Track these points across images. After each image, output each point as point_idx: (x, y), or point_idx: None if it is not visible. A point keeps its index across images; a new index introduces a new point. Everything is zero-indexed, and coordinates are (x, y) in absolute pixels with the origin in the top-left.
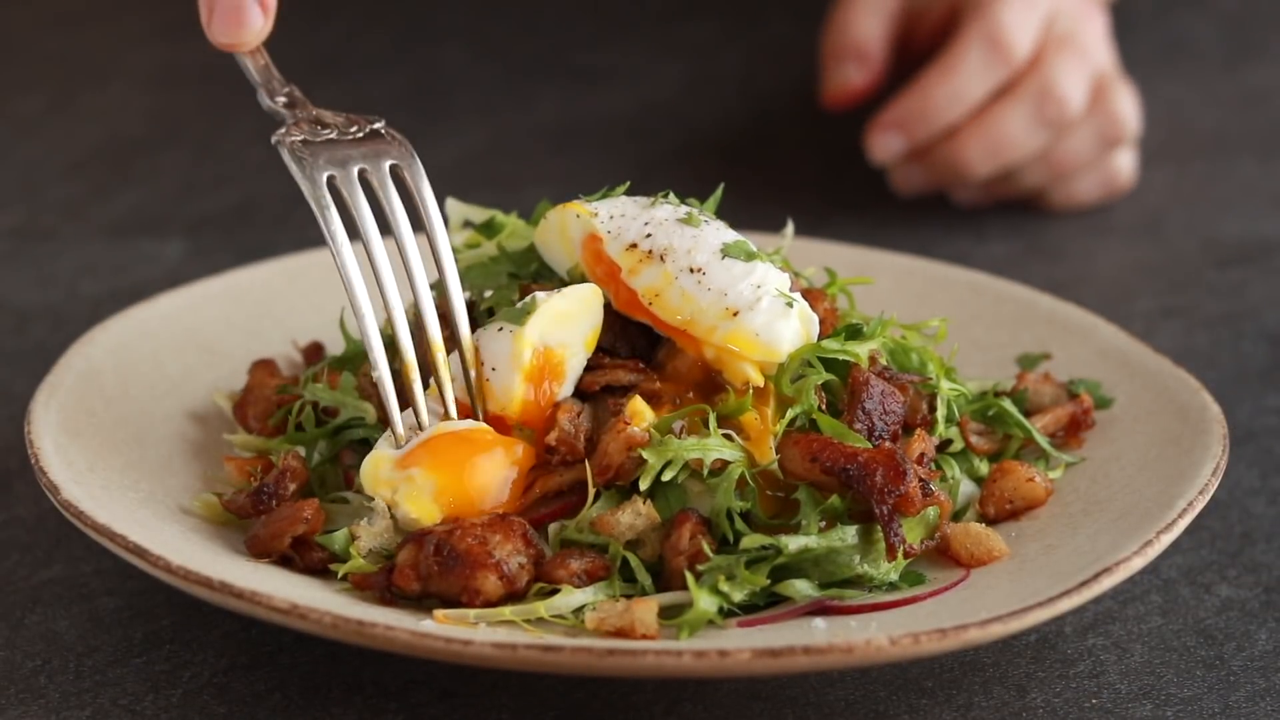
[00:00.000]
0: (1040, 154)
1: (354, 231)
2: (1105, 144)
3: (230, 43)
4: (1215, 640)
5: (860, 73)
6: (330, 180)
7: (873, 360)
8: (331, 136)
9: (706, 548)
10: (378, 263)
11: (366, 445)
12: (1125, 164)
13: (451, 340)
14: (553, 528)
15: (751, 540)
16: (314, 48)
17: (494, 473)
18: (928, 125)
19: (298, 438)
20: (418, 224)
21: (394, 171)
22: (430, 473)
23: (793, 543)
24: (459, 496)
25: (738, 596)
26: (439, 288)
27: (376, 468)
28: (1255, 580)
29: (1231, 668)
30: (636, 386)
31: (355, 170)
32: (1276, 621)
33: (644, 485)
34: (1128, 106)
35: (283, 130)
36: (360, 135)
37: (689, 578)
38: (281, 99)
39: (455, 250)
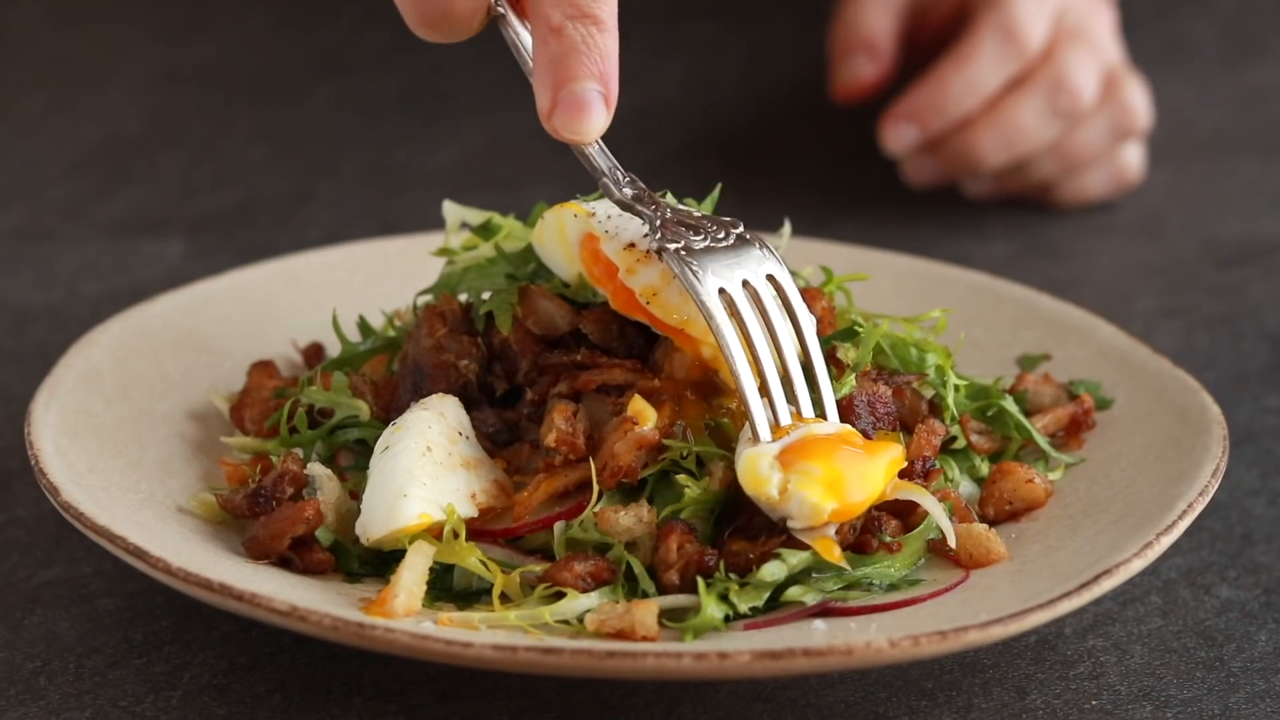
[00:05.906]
0: (1053, 145)
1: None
2: (1117, 135)
3: (572, 138)
4: (1215, 642)
5: (870, 66)
6: (720, 291)
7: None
8: (707, 244)
9: (695, 544)
10: (768, 376)
11: (363, 445)
12: (1134, 158)
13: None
14: (558, 527)
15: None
16: (314, 48)
17: (879, 474)
18: (942, 116)
19: (293, 440)
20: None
21: (771, 280)
22: (818, 463)
23: (793, 556)
24: (840, 490)
25: (744, 607)
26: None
27: (755, 465)
28: (1255, 582)
29: (1231, 669)
30: (634, 385)
31: (739, 282)
32: (1276, 623)
33: (646, 476)
34: (1139, 98)
35: (659, 235)
36: (730, 242)
37: (700, 583)
38: (628, 190)
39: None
